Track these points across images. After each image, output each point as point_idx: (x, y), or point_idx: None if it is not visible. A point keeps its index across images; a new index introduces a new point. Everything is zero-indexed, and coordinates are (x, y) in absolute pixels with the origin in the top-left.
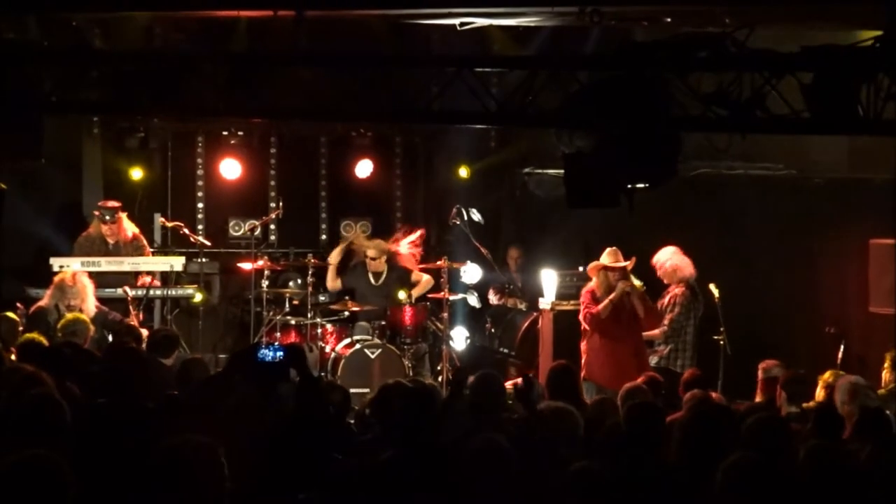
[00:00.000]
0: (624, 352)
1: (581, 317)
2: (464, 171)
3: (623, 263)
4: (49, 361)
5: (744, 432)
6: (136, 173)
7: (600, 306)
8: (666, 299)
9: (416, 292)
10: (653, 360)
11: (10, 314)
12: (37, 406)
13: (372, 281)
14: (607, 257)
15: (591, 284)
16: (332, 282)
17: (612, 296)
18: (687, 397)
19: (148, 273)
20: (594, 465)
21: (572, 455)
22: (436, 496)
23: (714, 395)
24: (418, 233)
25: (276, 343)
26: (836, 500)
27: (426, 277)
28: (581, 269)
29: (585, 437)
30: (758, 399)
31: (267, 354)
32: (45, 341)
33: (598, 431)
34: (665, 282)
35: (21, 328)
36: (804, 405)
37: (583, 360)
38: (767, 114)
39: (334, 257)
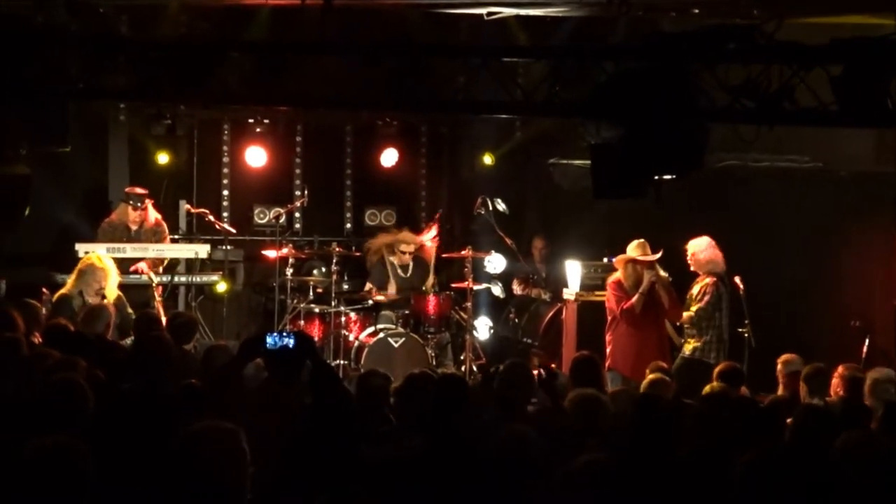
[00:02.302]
0: (648, 342)
1: (612, 307)
2: (488, 159)
3: (651, 257)
4: (75, 347)
5: (790, 425)
6: (163, 158)
7: (633, 300)
8: (696, 289)
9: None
10: (684, 352)
11: (32, 300)
12: (60, 391)
13: (400, 273)
14: (635, 250)
15: (617, 275)
16: (392, 287)
17: (641, 288)
18: (706, 391)
19: (142, 259)
20: (601, 458)
21: (599, 444)
22: (461, 486)
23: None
24: (433, 230)
25: (285, 331)
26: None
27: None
28: (606, 259)
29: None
30: (780, 393)
31: (275, 342)
32: (71, 326)
33: (616, 423)
34: (694, 270)
35: (45, 313)
36: (827, 399)
37: (608, 350)
38: (796, 106)
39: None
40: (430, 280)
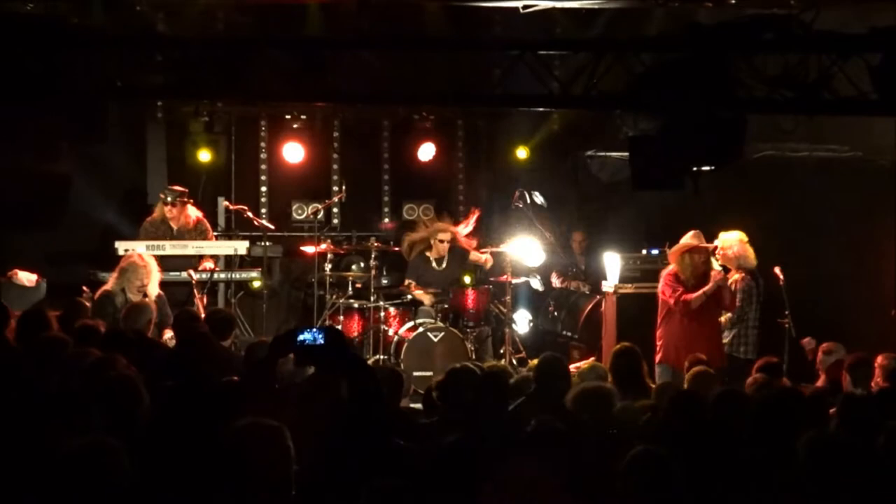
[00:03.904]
0: (701, 336)
1: (666, 300)
2: (522, 153)
3: (709, 245)
4: (113, 345)
5: (835, 415)
6: (204, 155)
7: (694, 296)
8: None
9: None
10: None
11: (80, 299)
12: (117, 389)
13: (434, 266)
14: (693, 239)
15: (672, 267)
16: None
17: (706, 289)
18: (749, 382)
19: (211, 257)
20: (654, 450)
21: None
22: (498, 479)
23: (783, 380)
24: (474, 217)
25: (316, 327)
26: None
27: (485, 256)
28: (645, 251)
29: (649, 421)
30: (820, 383)
31: (312, 338)
32: (102, 326)
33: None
34: (722, 264)
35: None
36: (870, 389)
37: (659, 343)
38: (834, 95)
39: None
40: (473, 255)
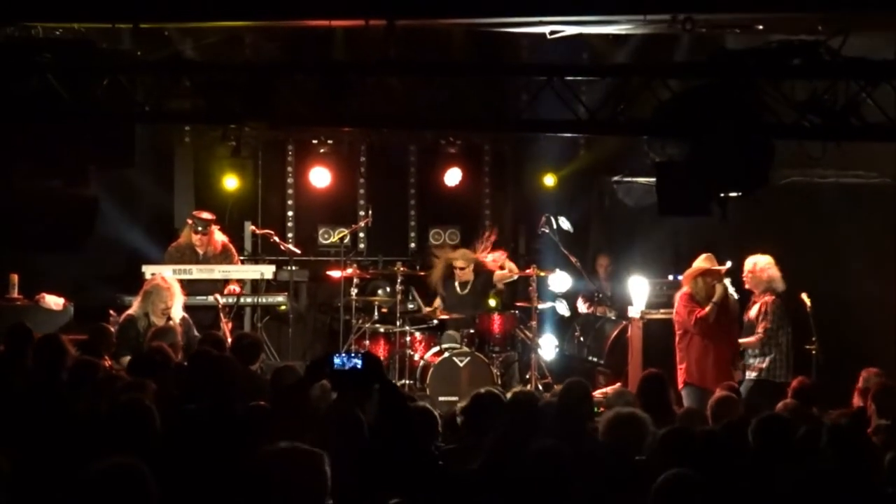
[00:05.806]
0: (723, 354)
1: (682, 320)
2: (550, 180)
3: (722, 267)
4: (139, 370)
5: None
6: (231, 182)
7: (707, 310)
8: (754, 310)
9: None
10: (752, 374)
11: (104, 324)
12: (126, 412)
13: (459, 290)
14: (705, 262)
15: (686, 289)
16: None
17: (715, 297)
18: (779, 407)
19: (237, 282)
20: (688, 474)
21: (640, 460)
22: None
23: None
24: (500, 253)
25: (353, 351)
26: None
27: (509, 265)
28: (671, 277)
29: (673, 445)
30: (850, 408)
31: (342, 363)
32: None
33: (686, 440)
34: (749, 287)
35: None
36: None
37: (682, 366)
38: (862, 122)
39: (439, 286)
40: (498, 275)
